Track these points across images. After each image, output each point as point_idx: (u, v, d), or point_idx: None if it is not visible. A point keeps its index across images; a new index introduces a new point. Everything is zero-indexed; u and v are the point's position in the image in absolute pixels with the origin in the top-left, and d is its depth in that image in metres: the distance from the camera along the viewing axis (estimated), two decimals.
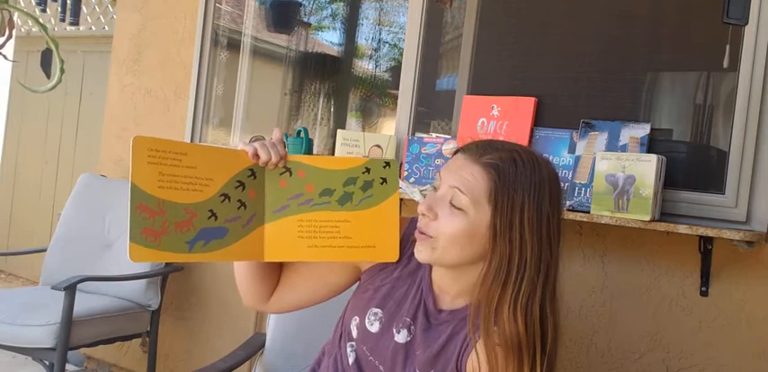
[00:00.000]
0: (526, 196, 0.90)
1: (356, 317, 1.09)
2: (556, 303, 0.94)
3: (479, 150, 0.95)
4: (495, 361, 0.89)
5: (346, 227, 1.03)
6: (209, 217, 0.94)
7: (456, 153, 0.99)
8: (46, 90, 2.20)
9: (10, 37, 2.23)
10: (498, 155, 0.93)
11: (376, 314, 1.06)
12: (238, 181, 0.98)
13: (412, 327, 1.03)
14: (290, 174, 1.02)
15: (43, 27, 2.17)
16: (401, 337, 1.03)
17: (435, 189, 0.98)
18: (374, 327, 1.06)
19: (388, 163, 1.07)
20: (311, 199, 1.02)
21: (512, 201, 0.90)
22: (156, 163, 0.89)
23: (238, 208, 0.97)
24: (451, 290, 1.01)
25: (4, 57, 2.25)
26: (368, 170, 1.05)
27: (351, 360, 1.08)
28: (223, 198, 0.96)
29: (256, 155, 0.99)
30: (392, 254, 1.06)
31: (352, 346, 1.09)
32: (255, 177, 1.00)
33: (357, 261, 1.11)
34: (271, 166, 1.00)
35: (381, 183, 1.06)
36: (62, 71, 2.05)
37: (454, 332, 0.98)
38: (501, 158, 0.92)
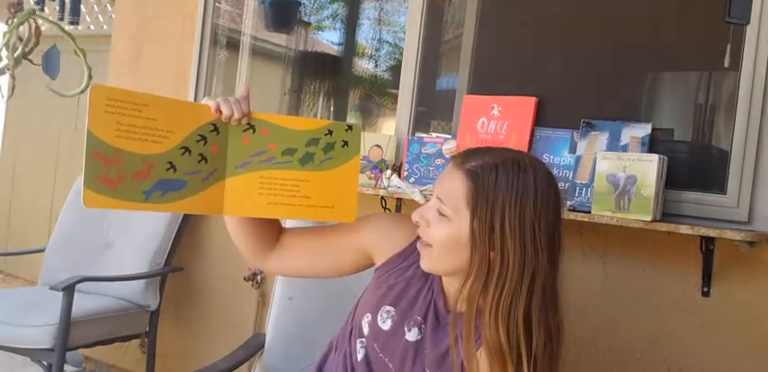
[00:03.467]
0: (507, 201, 0.90)
1: (368, 314, 1.09)
2: (550, 309, 0.92)
3: (465, 157, 0.96)
4: (477, 367, 0.91)
5: (306, 187, 1.04)
6: (168, 169, 0.94)
7: (450, 160, 1.00)
8: (75, 94, 2.23)
9: (37, 43, 2.26)
10: (481, 161, 0.93)
11: (389, 311, 1.07)
12: (200, 135, 0.98)
13: (423, 326, 1.04)
14: (254, 131, 1.03)
15: (71, 37, 2.19)
16: (412, 335, 1.04)
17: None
18: (386, 325, 1.06)
19: (350, 127, 1.08)
20: (273, 157, 1.03)
21: (491, 206, 0.90)
22: (114, 113, 0.89)
23: (199, 161, 0.97)
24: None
25: (31, 61, 2.28)
26: (330, 132, 1.06)
27: (360, 357, 1.09)
28: (183, 150, 0.96)
29: (219, 110, 0.98)
30: (349, 216, 1.08)
31: (362, 342, 1.10)
32: (218, 132, 1.00)
33: (359, 243, 1.12)
34: (234, 122, 1.00)
35: (343, 146, 1.07)
36: (90, 77, 2.08)
37: (462, 332, 0.98)
38: (482, 165, 0.93)
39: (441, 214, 0.95)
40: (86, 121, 0.87)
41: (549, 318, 0.92)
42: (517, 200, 0.90)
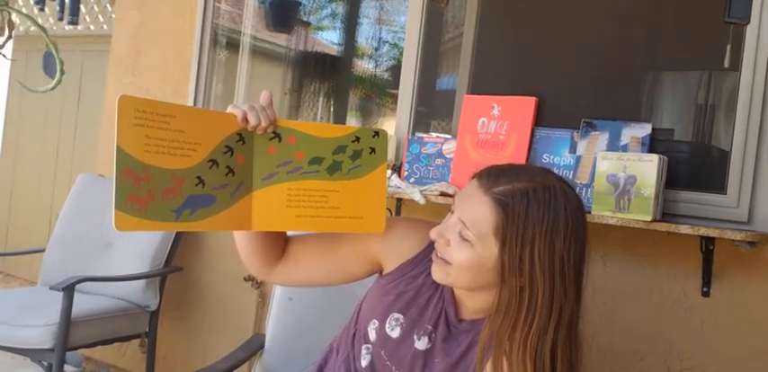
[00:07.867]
0: (537, 233, 0.87)
1: (375, 320, 1.07)
2: (574, 345, 0.90)
3: (492, 179, 0.91)
4: None
5: (335, 197, 1.01)
6: (197, 184, 0.90)
7: (473, 178, 0.96)
8: (46, 90, 2.19)
9: (10, 37, 2.22)
10: (510, 187, 0.89)
11: (397, 319, 1.05)
12: (227, 147, 0.94)
13: (432, 335, 1.03)
14: (280, 140, 0.98)
15: (43, 29, 2.16)
16: (421, 344, 1.03)
17: (452, 212, 0.96)
18: (395, 332, 1.05)
19: (377, 133, 1.05)
20: (300, 167, 0.99)
21: (521, 239, 0.87)
22: (143, 126, 0.84)
23: (226, 174, 0.93)
24: (470, 305, 1.01)
25: (4, 56, 2.24)
26: (357, 139, 1.03)
27: (365, 363, 1.08)
28: (211, 163, 0.92)
29: (245, 119, 0.94)
30: (379, 226, 1.04)
31: (367, 348, 1.08)
32: (244, 142, 0.96)
33: (368, 250, 1.09)
34: (260, 131, 0.96)
35: (370, 153, 1.04)
36: (62, 72, 2.05)
37: (474, 341, 0.98)
38: (512, 192, 0.88)
39: (463, 238, 0.91)
40: (115, 136, 0.81)
41: (573, 352, 0.90)
42: (548, 233, 0.87)
